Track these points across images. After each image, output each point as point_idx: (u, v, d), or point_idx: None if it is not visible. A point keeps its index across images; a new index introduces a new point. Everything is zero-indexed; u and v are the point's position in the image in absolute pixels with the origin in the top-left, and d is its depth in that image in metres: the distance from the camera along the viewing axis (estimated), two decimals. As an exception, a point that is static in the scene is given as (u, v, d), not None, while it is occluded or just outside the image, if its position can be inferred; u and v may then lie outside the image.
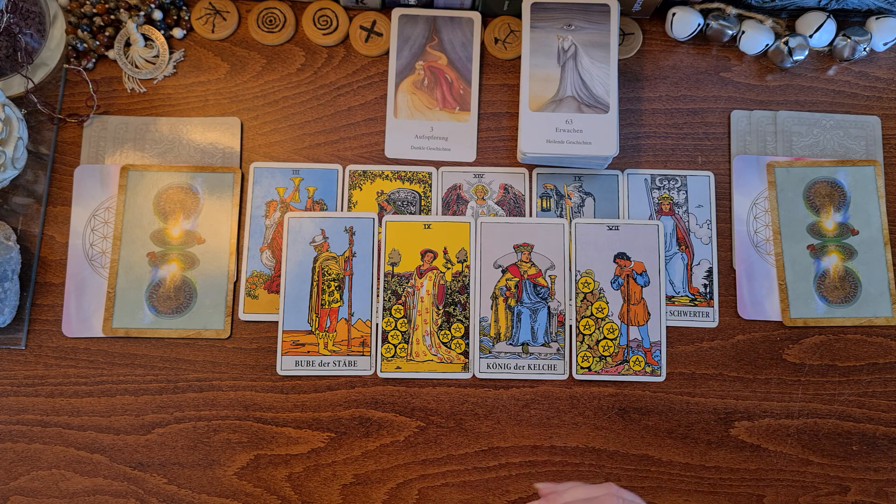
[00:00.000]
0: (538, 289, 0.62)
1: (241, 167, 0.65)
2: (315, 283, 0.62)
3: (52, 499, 0.59)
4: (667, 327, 0.62)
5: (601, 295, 0.62)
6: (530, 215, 0.64)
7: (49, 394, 0.61)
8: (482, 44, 0.67)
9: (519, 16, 0.66)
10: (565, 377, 0.61)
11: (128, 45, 0.66)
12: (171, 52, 0.66)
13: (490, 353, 0.61)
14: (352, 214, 0.63)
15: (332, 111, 0.66)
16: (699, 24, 0.66)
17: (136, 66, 0.66)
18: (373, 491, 0.60)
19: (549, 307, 0.62)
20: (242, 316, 0.62)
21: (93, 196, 0.63)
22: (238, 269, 0.63)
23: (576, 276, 0.62)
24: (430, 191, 0.64)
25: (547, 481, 0.60)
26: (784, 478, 0.61)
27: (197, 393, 0.61)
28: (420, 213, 0.64)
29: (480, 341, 0.61)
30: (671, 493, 0.60)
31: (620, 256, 0.63)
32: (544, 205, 0.65)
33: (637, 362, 0.61)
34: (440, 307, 0.62)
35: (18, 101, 0.63)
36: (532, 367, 0.61)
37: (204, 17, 0.67)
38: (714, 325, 0.63)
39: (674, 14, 0.66)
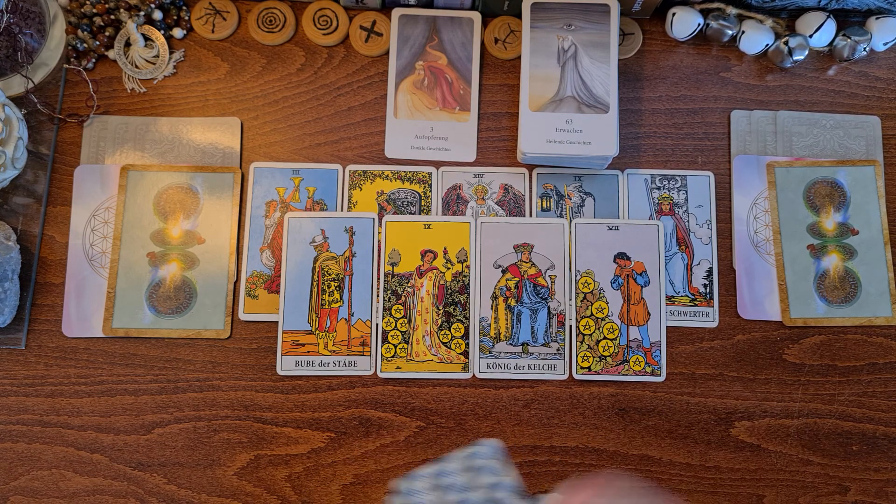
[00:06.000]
0: (538, 289, 0.62)
1: (241, 167, 0.65)
2: (315, 283, 0.62)
3: (52, 499, 0.59)
4: (667, 327, 0.62)
5: (601, 295, 0.62)
6: (530, 215, 0.64)
7: (49, 394, 0.61)
8: (482, 44, 0.67)
9: (519, 16, 0.66)
10: (565, 377, 0.61)
11: (128, 45, 0.66)
12: (171, 52, 0.66)
13: (490, 353, 0.61)
14: (352, 214, 0.63)
15: (332, 111, 0.66)
16: (699, 24, 0.66)
17: (136, 66, 0.66)
18: (373, 491, 0.60)
19: (549, 307, 0.62)
20: (242, 316, 0.62)
21: (93, 196, 0.63)
22: (238, 269, 0.63)
23: (576, 276, 0.62)
24: (430, 191, 0.64)
25: (547, 482, 0.60)
26: (784, 478, 0.61)
27: (197, 393, 0.61)
28: (420, 213, 0.64)
29: (480, 341, 0.61)
30: (671, 494, 0.60)
31: (620, 256, 0.63)
32: (544, 205, 0.65)
33: (637, 362, 0.61)
34: (440, 307, 0.62)
35: (18, 101, 0.63)
36: (532, 367, 0.61)
37: (204, 17, 0.67)
38: (714, 325, 0.63)
39: (674, 14, 0.66)
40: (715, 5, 0.66)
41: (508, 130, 0.66)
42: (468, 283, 0.62)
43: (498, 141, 0.66)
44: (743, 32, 0.65)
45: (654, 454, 0.61)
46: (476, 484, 0.47)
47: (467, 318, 0.62)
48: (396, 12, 0.67)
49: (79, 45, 0.65)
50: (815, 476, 0.61)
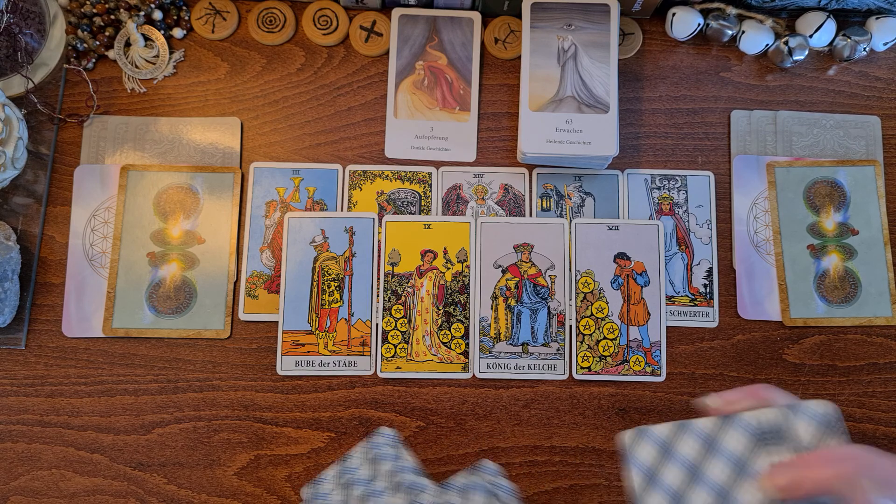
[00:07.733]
0: (538, 289, 0.62)
1: (241, 167, 0.65)
2: (315, 283, 0.62)
3: (52, 499, 0.59)
4: (667, 327, 0.62)
5: (601, 295, 0.62)
6: (530, 215, 0.64)
7: (49, 394, 0.61)
8: (482, 44, 0.67)
9: (519, 16, 0.66)
10: (565, 377, 0.61)
11: (128, 45, 0.66)
12: (171, 52, 0.66)
13: (490, 353, 0.61)
14: (352, 214, 0.63)
15: (332, 111, 0.66)
16: (699, 24, 0.66)
17: (136, 66, 0.66)
18: (373, 491, 0.60)
19: (549, 307, 0.62)
20: (242, 316, 0.62)
21: (93, 196, 0.63)
22: (238, 269, 0.63)
23: (576, 276, 0.62)
24: (430, 191, 0.64)
25: (547, 482, 0.60)
26: (784, 478, 0.60)
27: (197, 393, 0.61)
28: (420, 213, 0.64)
29: (480, 341, 0.61)
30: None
31: (620, 256, 0.63)
32: (544, 205, 0.65)
33: (637, 362, 0.61)
34: (440, 307, 0.62)
35: (18, 101, 0.63)
36: (532, 367, 0.61)
37: (204, 17, 0.67)
38: (714, 325, 0.63)
39: (674, 14, 0.66)
40: (715, 5, 0.66)
41: (508, 130, 0.66)
42: (468, 283, 0.62)
43: (498, 141, 0.66)
44: (743, 32, 0.65)
45: (654, 454, 0.61)
46: (378, 473, 0.47)
47: (467, 318, 0.62)
48: (396, 12, 0.67)
49: (79, 45, 0.65)
50: (815, 476, 0.61)
